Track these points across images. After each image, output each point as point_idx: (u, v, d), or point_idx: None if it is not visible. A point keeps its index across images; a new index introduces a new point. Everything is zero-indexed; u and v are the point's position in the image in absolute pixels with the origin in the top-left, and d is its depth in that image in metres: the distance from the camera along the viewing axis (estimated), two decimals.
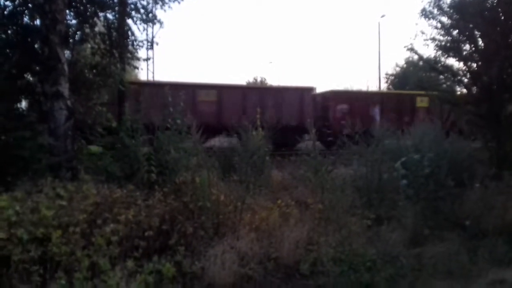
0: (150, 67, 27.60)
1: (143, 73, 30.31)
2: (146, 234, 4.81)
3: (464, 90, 10.78)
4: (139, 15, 9.19)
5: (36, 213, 4.54)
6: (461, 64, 10.30)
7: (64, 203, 4.85)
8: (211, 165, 6.47)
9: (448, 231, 6.18)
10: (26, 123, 7.11)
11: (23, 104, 8.79)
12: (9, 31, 8.38)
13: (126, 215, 4.84)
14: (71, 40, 8.50)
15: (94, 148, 8.67)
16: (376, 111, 21.29)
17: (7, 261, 4.11)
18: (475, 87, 10.15)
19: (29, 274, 4.05)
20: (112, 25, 9.20)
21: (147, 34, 12.09)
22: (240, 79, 76.80)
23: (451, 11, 9.96)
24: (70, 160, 6.93)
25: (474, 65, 10.09)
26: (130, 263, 4.34)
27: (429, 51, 11.21)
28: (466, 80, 10.34)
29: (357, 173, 7.78)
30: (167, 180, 6.42)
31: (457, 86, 11.26)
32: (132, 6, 9.13)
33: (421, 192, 6.66)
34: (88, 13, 8.71)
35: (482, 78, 9.65)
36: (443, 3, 10.14)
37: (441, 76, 11.44)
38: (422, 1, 10.43)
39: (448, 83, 11.47)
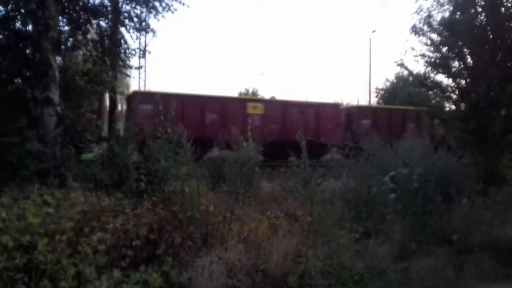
0: (142, 76, 27.55)
1: (135, 82, 30.36)
2: (133, 243, 4.76)
3: (453, 106, 10.92)
4: (132, 24, 9.17)
5: (22, 220, 4.47)
6: (450, 80, 10.46)
7: (51, 210, 4.79)
8: (201, 175, 6.46)
9: (435, 246, 6.24)
10: (15, 129, 7.04)
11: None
12: (0, 36, 8.34)
13: (114, 224, 4.79)
14: (63, 47, 8.47)
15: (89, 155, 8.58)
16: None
17: None
18: (463, 104, 10.29)
19: (14, 282, 3.97)
20: (105, 33, 9.18)
21: (139, 43, 12.10)
22: (232, 89, 76.92)
23: (441, 28, 10.12)
24: (59, 167, 6.87)
25: (463, 82, 10.25)
26: (116, 273, 4.29)
27: (419, 67, 11.36)
28: (454, 96, 10.48)
29: (346, 186, 7.82)
30: (156, 189, 6.39)
31: (446, 102, 11.40)
32: (126, 14, 9.11)
33: (409, 206, 6.72)
34: (81, 20, 8.70)
35: (470, 95, 9.79)
36: (433, 20, 10.31)
37: (430, 92, 11.59)
38: (412, 18, 10.61)
39: (437, 99, 11.62)
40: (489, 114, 9.37)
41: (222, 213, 5.65)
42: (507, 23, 9.49)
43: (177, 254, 4.92)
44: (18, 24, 8.32)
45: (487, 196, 7.41)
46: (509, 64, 9.48)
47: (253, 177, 7.98)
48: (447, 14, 10.26)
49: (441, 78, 10.73)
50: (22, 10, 7.98)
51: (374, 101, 41.75)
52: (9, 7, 8.10)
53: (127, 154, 6.90)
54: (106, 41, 9.17)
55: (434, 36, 10.30)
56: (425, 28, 10.30)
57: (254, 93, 51.95)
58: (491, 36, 9.59)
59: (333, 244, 5.50)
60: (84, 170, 7.05)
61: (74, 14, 8.62)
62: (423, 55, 10.44)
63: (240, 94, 50.55)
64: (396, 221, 6.41)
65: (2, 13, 8.14)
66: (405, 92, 28.31)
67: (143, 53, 10.78)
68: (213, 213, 5.62)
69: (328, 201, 6.45)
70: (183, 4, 9.40)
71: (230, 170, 7.36)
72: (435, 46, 10.27)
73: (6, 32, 8.27)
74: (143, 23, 9.31)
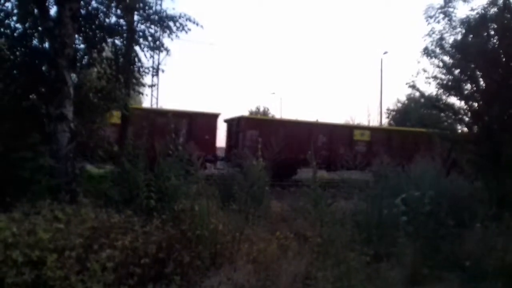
0: (155, 93, 27.94)
1: (147, 99, 30.69)
2: (142, 261, 4.74)
3: (465, 129, 10.84)
4: (146, 43, 9.34)
5: (32, 235, 4.49)
6: (462, 103, 10.41)
7: (61, 226, 4.80)
8: (211, 193, 6.44)
9: (448, 271, 6.11)
10: (28, 144, 7.12)
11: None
12: (17, 53, 8.52)
13: (123, 241, 4.78)
14: (78, 64, 8.63)
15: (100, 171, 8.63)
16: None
17: (1, 284, 4.04)
18: (476, 127, 10.22)
19: None
20: (120, 51, 9.34)
21: (153, 61, 12.28)
22: (243, 108, 77.25)
23: (453, 50, 10.13)
24: (70, 182, 6.91)
25: (475, 104, 10.19)
26: None
27: (430, 88, 11.34)
28: (467, 119, 10.42)
29: (357, 208, 7.73)
30: (166, 206, 6.38)
31: (458, 125, 11.32)
32: (140, 33, 9.28)
33: (421, 229, 6.61)
34: (96, 39, 8.87)
35: (483, 118, 9.73)
36: (445, 42, 10.33)
37: (442, 114, 11.53)
38: (424, 40, 10.63)
39: (449, 121, 11.55)
40: (502, 137, 9.28)
41: (232, 233, 5.61)
42: None
43: (185, 273, 4.88)
44: (35, 42, 8.53)
45: (501, 221, 7.28)
46: None
47: (263, 197, 7.94)
48: (459, 36, 10.27)
49: (453, 100, 10.70)
50: (40, 28, 8.17)
51: (385, 122, 41.59)
52: (27, 24, 8.30)
53: (137, 171, 6.93)
54: (121, 59, 9.32)
55: (446, 58, 10.31)
56: (437, 50, 10.33)
57: (265, 112, 52.16)
58: (503, 59, 9.56)
59: (343, 267, 5.40)
60: (95, 186, 7.08)
61: (90, 33, 8.80)
62: (435, 77, 10.44)
63: (251, 113, 50.76)
64: (408, 245, 6.31)
65: (20, 30, 8.34)
66: (416, 114, 28.15)
67: (156, 71, 10.94)
68: (222, 232, 5.59)
69: (338, 223, 6.37)
70: (197, 24, 9.54)
71: (240, 189, 7.34)
72: (447, 68, 10.26)
73: (23, 49, 8.46)
74: (157, 42, 9.47)
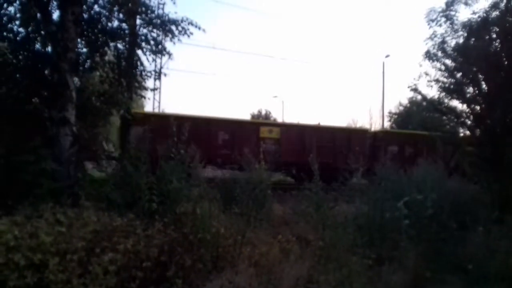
0: (157, 97, 27.97)
1: (149, 103, 30.80)
2: (144, 264, 4.73)
3: (467, 132, 10.83)
4: (148, 46, 9.38)
5: (34, 238, 4.50)
6: (465, 106, 10.41)
7: (63, 229, 4.81)
8: (213, 196, 6.44)
9: (450, 274, 6.09)
10: (31, 148, 7.15)
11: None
12: (20, 57, 8.56)
13: (125, 245, 4.78)
14: (80, 68, 8.67)
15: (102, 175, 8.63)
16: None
17: (3, 287, 4.05)
18: (478, 130, 10.21)
19: None
20: (122, 55, 9.39)
21: (155, 65, 12.33)
22: (245, 112, 77.23)
23: (455, 54, 10.14)
24: (72, 186, 6.93)
25: (478, 107, 10.19)
26: None
27: (432, 92, 11.35)
28: (469, 122, 10.42)
29: (359, 211, 7.72)
30: (168, 210, 6.38)
31: (460, 128, 11.32)
32: (143, 37, 9.33)
33: (423, 233, 6.59)
34: (99, 42, 8.92)
35: (485, 121, 9.72)
36: (447, 46, 10.35)
37: (445, 117, 11.52)
38: (426, 44, 10.64)
39: (452, 124, 11.54)
40: (505, 140, 9.26)
41: (233, 236, 5.60)
42: None
43: (187, 276, 4.87)
44: (37, 46, 8.58)
45: (503, 224, 7.26)
46: None
47: (265, 200, 7.93)
48: (461, 40, 10.29)
49: (456, 103, 10.70)
50: (42, 32, 8.21)
51: (387, 125, 41.52)
52: (30, 28, 8.35)
53: (139, 174, 6.93)
54: (123, 63, 9.36)
55: (448, 61, 10.32)
56: (439, 53, 10.34)
57: (267, 116, 52.12)
58: (505, 62, 9.56)
59: (345, 270, 5.39)
60: (97, 189, 7.09)
61: (93, 37, 8.85)
62: (437, 81, 10.45)
63: (253, 116, 50.76)
64: (410, 248, 6.29)
65: (22, 34, 8.39)
66: (418, 117, 28.09)
67: (159, 75, 10.96)
68: (224, 235, 5.58)
69: (340, 226, 6.35)
70: (199, 28, 9.57)
71: (242, 192, 7.33)
72: (449, 71, 10.27)
73: (26, 53, 8.51)
74: (159, 46, 9.51)
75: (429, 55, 10.51)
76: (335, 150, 18.85)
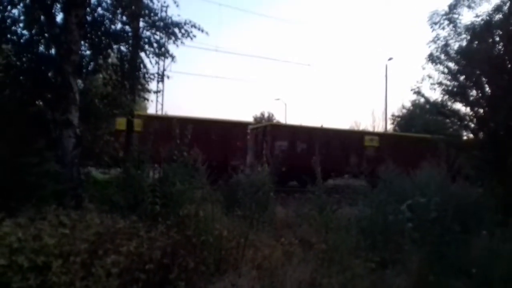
0: (160, 99, 28.06)
1: (153, 105, 30.89)
2: (146, 267, 4.73)
3: (471, 135, 10.82)
4: (152, 49, 9.38)
5: (38, 240, 4.49)
6: (468, 109, 10.41)
7: (66, 231, 4.80)
8: (216, 199, 6.44)
9: (454, 278, 6.05)
10: (34, 150, 7.16)
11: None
12: (24, 59, 8.59)
13: (128, 247, 4.78)
14: (84, 70, 8.69)
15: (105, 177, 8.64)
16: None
17: None
18: (481, 133, 10.19)
19: None
20: (125, 57, 9.40)
21: (158, 67, 12.33)
22: (247, 114, 77.22)
23: (458, 57, 10.14)
24: (75, 188, 6.93)
25: (481, 110, 10.18)
26: None
27: (435, 95, 11.35)
28: (472, 125, 10.40)
29: (362, 214, 7.71)
30: (171, 212, 6.38)
31: (464, 131, 11.30)
32: (146, 40, 9.34)
33: (426, 236, 6.57)
34: (102, 45, 8.94)
35: (489, 124, 9.71)
36: (450, 49, 10.35)
37: (448, 120, 11.52)
38: (429, 47, 10.64)
39: (455, 127, 11.53)
40: (508, 143, 9.24)
41: (236, 239, 5.60)
42: None
43: (190, 279, 4.87)
44: (41, 48, 8.60)
45: (507, 227, 7.23)
46: None
47: (268, 202, 7.93)
48: (464, 43, 10.29)
49: (459, 106, 10.70)
50: (46, 35, 8.23)
51: (390, 128, 41.50)
52: (33, 31, 8.37)
53: (142, 176, 6.94)
54: (126, 66, 9.38)
55: (451, 64, 10.33)
56: (442, 56, 10.34)
57: (270, 118, 52.15)
58: (509, 65, 9.55)
59: (348, 274, 5.38)
60: (100, 191, 7.10)
61: (96, 39, 8.87)
62: (440, 83, 10.46)
63: (256, 118, 50.78)
64: (413, 251, 6.27)
65: (26, 37, 8.41)
66: (422, 120, 28.07)
67: (162, 77, 10.98)
68: (227, 238, 5.57)
69: (343, 229, 6.34)
70: (202, 31, 9.58)
71: (245, 195, 7.33)
72: (453, 74, 10.27)
73: (29, 55, 8.53)
74: (162, 49, 9.52)
75: (432, 58, 10.51)
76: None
